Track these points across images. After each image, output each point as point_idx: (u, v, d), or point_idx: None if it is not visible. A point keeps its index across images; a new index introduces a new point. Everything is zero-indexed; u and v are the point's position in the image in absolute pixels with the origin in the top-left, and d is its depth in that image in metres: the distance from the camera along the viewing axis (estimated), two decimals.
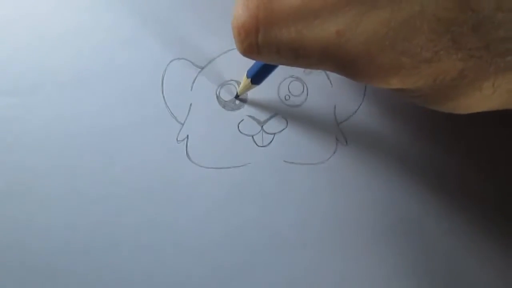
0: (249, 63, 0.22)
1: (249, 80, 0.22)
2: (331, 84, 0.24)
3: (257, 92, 0.24)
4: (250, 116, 0.23)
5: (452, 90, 0.16)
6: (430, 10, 0.14)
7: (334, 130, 0.24)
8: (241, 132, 0.23)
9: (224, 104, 0.23)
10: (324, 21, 0.15)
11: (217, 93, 0.23)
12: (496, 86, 0.15)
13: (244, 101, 0.24)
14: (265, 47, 0.16)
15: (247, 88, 0.23)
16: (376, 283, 0.23)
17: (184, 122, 0.23)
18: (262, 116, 0.24)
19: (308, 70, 0.24)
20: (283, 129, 0.24)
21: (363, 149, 0.24)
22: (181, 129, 0.23)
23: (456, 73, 0.15)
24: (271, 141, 0.23)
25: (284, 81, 0.24)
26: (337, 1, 0.15)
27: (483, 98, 0.16)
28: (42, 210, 0.22)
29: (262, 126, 0.23)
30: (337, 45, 0.15)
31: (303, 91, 0.24)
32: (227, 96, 0.24)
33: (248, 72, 0.22)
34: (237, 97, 0.24)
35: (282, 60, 0.17)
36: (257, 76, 0.22)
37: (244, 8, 0.16)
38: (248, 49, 0.17)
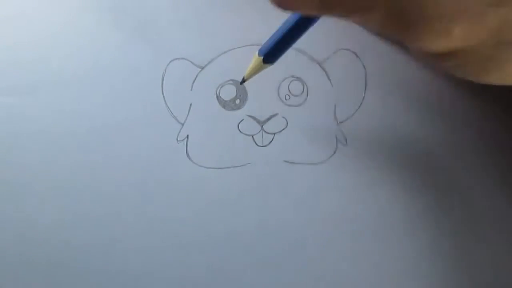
0: (249, 62, 0.22)
1: (261, 58, 0.20)
2: (331, 84, 0.24)
3: (258, 92, 0.24)
4: (250, 116, 0.23)
5: (499, 54, 0.14)
6: None
7: (334, 130, 0.24)
8: (241, 132, 0.23)
9: (224, 104, 0.23)
10: None
11: (217, 93, 0.23)
12: None
13: (244, 99, 0.24)
14: None
15: (257, 69, 0.20)
16: (377, 283, 0.23)
17: (184, 122, 0.23)
18: (262, 116, 0.24)
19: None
20: (283, 129, 0.24)
21: (363, 149, 0.24)
22: (181, 129, 0.23)
23: None
24: (271, 141, 0.23)
25: (284, 81, 0.24)
26: None
27: None
28: (41, 209, 0.22)
29: (262, 126, 0.23)
30: None
31: (303, 91, 0.24)
32: (227, 96, 0.23)
33: (260, 50, 0.20)
34: (243, 82, 0.21)
35: (312, 6, 0.14)
36: (271, 54, 0.19)
37: None
38: None
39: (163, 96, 0.23)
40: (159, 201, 0.23)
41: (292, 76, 0.24)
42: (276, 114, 0.24)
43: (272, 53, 0.20)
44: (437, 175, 0.23)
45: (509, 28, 0.14)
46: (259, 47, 0.20)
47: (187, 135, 0.23)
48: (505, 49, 0.14)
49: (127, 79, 0.23)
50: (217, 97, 0.23)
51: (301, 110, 0.24)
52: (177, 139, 0.23)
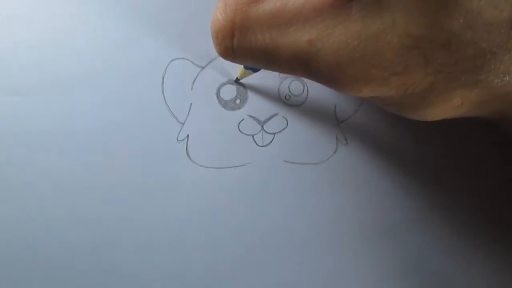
0: None
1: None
2: None
3: (258, 92, 0.24)
4: (250, 116, 0.23)
5: (422, 100, 0.16)
6: (401, 26, 0.14)
7: (335, 129, 0.24)
8: (241, 132, 0.23)
9: (224, 104, 0.23)
10: (298, 30, 0.16)
11: (217, 92, 0.23)
12: (464, 98, 0.16)
13: (244, 99, 0.24)
14: (240, 51, 0.17)
15: (245, 74, 0.23)
16: (376, 283, 0.23)
17: (185, 121, 0.23)
18: (262, 115, 0.24)
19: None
20: (284, 129, 0.24)
21: (363, 148, 0.24)
22: (181, 128, 0.23)
23: (426, 85, 0.15)
24: (271, 141, 0.23)
25: (284, 80, 0.24)
26: (311, 11, 0.15)
27: (452, 108, 0.16)
28: (42, 209, 0.22)
29: (262, 126, 0.23)
30: (308, 54, 0.16)
31: (303, 91, 0.24)
32: (227, 96, 0.24)
33: None
34: (236, 80, 0.23)
35: (256, 64, 0.18)
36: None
37: (223, 12, 0.17)
38: (224, 52, 0.17)
39: (163, 96, 0.23)
40: (158, 200, 0.23)
41: (293, 76, 0.24)
42: (276, 114, 0.24)
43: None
44: (438, 176, 0.23)
45: (414, 87, 0.16)
46: None
47: (187, 135, 0.23)
48: (416, 98, 0.16)
49: (127, 79, 0.23)
50: (217, 97, 0.23)
51: (301, 109, 0.24)
52: (177, 138, 0.23)
